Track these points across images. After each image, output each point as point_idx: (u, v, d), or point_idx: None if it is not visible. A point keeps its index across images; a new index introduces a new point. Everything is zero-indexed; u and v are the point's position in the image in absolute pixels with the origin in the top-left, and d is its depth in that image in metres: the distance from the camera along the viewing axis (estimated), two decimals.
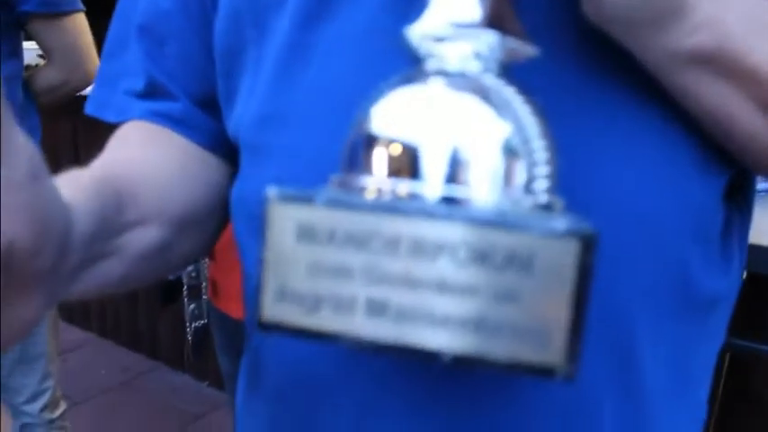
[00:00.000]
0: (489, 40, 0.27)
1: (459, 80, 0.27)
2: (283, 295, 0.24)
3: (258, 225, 0.26)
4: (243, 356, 0.59)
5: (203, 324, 1.13)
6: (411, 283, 0.23)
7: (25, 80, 1.48)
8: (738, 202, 0.46)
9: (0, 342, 0.27)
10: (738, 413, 1.42)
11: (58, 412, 1.61)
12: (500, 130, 0.26)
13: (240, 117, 0.48)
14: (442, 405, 0.41)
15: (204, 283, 1.10)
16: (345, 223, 0.23)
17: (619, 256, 0.39)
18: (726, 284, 0.46)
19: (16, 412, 1.57)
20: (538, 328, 0.21)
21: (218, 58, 0.50)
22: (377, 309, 0.23)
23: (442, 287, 0.23)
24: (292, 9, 0.44)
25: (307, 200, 0.24)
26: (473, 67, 0.27)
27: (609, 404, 0.42)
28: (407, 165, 0.26)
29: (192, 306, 1.12)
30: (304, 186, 0.28)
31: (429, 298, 0.23)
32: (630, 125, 0.38)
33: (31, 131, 1.47)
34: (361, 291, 0.23)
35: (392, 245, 0.23)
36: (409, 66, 0.29)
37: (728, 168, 0.42)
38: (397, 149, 0.26)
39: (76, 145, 2.58)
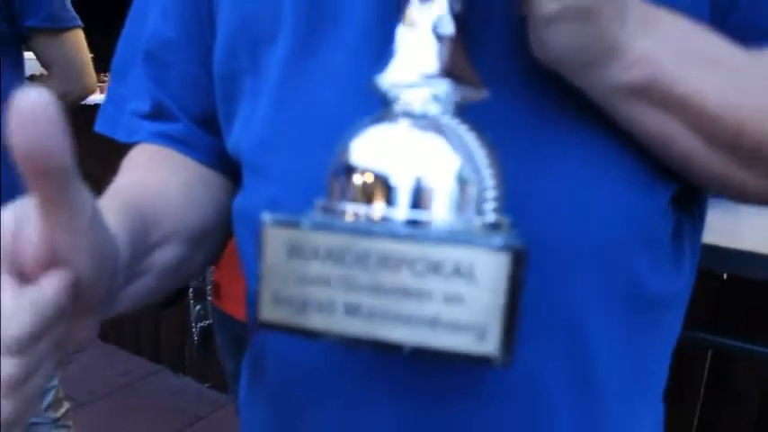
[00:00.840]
0: (445, 87, 0.32)
1: (422, 120, 0.32)
2: (277, 300, 0.30)
3: (257, 237, 0.31)
4: (244, 356, 0.64)
5: (208, 324, 1.19)
6: (379, 290, 0.28)
7: None
8: (690, 208, 0.51)
9: (61, 360, 0.32)
10: (721, 410, 1.47)
11: (61, 411, 1.66)
12: (454, 162, 0.31)
13: (240, 139, 0.53)
14: (417, 397, 0.47)
15: (209, 286, 1.16)
16: (326, 242, 0.29)
17: (572, 264, 0.44)
18: (676, 285, 0.51)
19: None
20: (479, 325, 0.27)
21: (216, 82, 0.55)
22: (352, 310, 0.29)
23: (404, 293, 0.28)
24: (283, 44, 0.49)
25: (295, 224, 0.30)
26: (432, 109, 0.33)
27: (566, 401, 0.47)
28: (379, 191, 0.31)
29: (198, 307, 1.18)
30: (296, 205, 0.34)
31: (393, 302, 0.28)
32: (581, 151, 0.44)
33: None
34: (339, 296, 0.29)
35: (363, 260, 0.28)
36: (380, 105, 0.34)
37: (673, 182, 0.47)
38: (370, 178, 0.32)
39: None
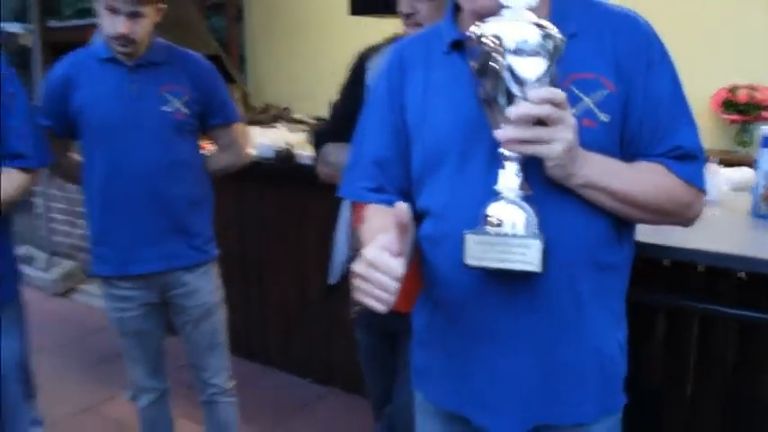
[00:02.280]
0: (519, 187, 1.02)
1: (511, 201, 1.02)
2: (478, 258, 1.00)
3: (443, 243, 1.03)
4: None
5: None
6: (503, 254, 0.98)
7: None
8: (627, 226, 1.19)
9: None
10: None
11: (231, 384, 2.35)
12: (524, 214, 1.01)
13: (428, 203, 1.20)
14: (507, 306, 1.14)
15: None
16: (481, 239, 0.98)
17: (575, 251, 1.12)
18: (622, 255, 1.19)
19: (204, 385, 2.31)
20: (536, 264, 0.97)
21: (413, 176, 1.23)
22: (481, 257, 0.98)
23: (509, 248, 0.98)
24: (449, 160, 1.18)
25: (478, 233, 0.99)
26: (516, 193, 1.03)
27: (574, 300, 1.14)
28: (496, 223, 1.00)
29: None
30: (457, 233, 1.04)
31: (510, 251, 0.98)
32: (573, 208, 1.11)
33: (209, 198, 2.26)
34: (492, 255, 0.99)
35: (493, 242, 0.98)
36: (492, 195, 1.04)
37: (617, 218, 1.15)
38: (494, 220, 1.01)
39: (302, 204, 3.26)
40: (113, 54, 2.01)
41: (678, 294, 1.85)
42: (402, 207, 1.00)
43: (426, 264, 1.23)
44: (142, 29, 1.96)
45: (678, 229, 1.32)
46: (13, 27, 8.60)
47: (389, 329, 1.85)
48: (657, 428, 1.94)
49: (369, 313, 1.83)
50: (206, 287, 2.21)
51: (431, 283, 1.25)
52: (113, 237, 2.09)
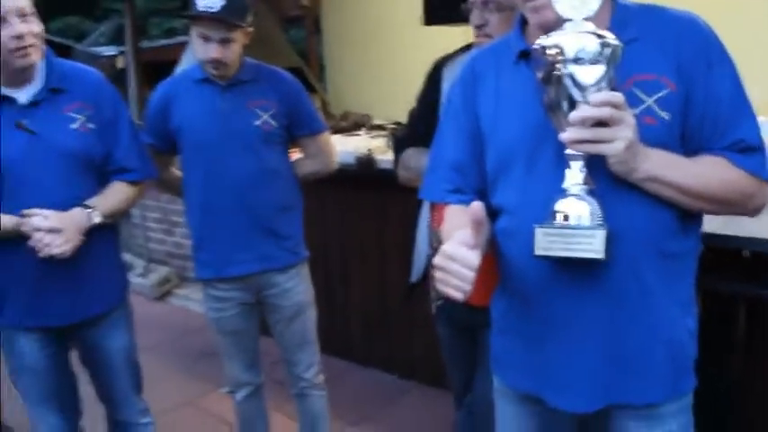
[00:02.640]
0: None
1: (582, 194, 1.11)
2: (545, 248, 1.11)
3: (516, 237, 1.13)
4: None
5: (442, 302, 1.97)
6: (568, 243, 1.07)
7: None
8: (694, 216, 1.26)
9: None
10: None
11: (321, 378, 2.49)
12: (589, 205, 1.11)
13: (502, 201, 1.31)
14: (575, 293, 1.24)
15: None
16: (549, 231, 1.08)
17: (641, 241, 1.20)
18: (687, 244, 1.26)
19: (296, 379, 2.47)
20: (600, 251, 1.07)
21: (488, 177, 1.34)
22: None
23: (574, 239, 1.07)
24: (518, 162, 1.28)
25: (546, 226, 1.09)
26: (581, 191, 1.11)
27: (640, 288, 1.22)
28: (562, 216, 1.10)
29: (434, 294, 1.96)
30: (528, 227, 1.14)
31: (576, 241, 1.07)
32: (638, 200, 1.19)
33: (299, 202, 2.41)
34: (559, 245, 1.09)
35: (563, 232, 1.09)
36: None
37: (681, 209, 1.22)
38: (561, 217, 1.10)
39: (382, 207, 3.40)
40: (207, 75, 2.19)
41: (756, 284, 1.87)
42: (477, 205, 1.11)
43: (502, 257, 1.34)
44: (232, 53, 2.13)
45: (756, 221, 1.37)
46: (108, 50, 9.16)
47: (468, 323, 1.94)
48: (737, 418, 1.96)
49: (449, 308, 1.95)
50: (297, 287, 2.36)
51: (506, 274, 1.35)
52: (212, 242, 2.27)
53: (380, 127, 5.10)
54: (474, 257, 1.10)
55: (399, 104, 5.50)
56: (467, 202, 1.30)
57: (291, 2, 6.10)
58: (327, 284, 3.56)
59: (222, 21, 2.06)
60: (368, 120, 5.61)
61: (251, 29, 2.18)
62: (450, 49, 2.06)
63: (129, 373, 2.18)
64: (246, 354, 2.41)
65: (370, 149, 3.21)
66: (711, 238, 1.70)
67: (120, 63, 6.33)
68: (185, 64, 5.90)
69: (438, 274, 1.13)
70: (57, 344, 2.06)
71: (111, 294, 2.10)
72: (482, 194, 1.36)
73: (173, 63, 7.70)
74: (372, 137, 3.51)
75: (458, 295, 1.11)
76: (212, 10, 2.04)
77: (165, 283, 5.10)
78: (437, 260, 1.13)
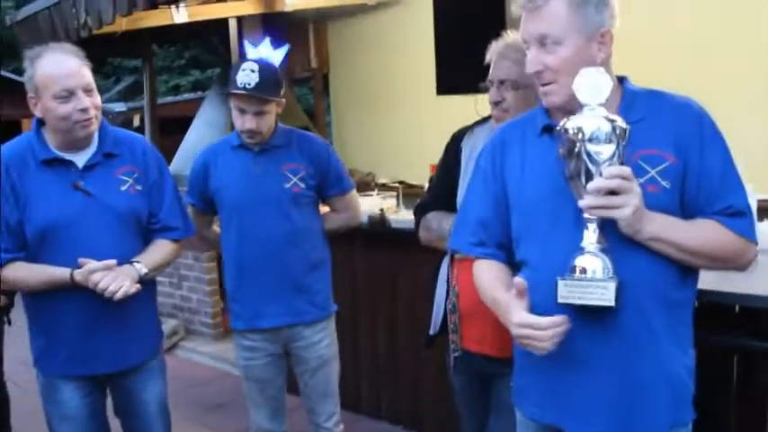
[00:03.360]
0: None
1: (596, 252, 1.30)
2: (565, 297, 1.30)
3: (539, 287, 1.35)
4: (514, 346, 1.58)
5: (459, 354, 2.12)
6: (584, 290, 1.26)
7: None
8: (692, 270, 1.46)
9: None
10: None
11: (340, 428, 2.62)
12: (603, 261, 1.30)
13: (525, 255, 1.51)
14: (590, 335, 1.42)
15: (457, 333, 2.09)
16: (568, 283, 1.27)
17: (646, 290, 1.39)
18: (686, 293, 1.46)
19: (317, 428, 2.59)
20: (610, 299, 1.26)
21: (513, 234, 1.54)
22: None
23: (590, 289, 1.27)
24: (537, 225, 1.48)
25: (566, 278, 1.28)
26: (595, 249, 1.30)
27: (647, 330, 1.41)
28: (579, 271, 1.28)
29: (453, 345, 2.12)
30: (549, 280, 1.34)
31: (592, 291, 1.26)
32: (644, 256, 1.39)
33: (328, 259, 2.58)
34: (577, 295, 1.28)
35: (581, 282, 1.29)
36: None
37: (681, 264, 1.42)
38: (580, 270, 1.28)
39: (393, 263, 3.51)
40: (242, 141, 2.40)
41: (749, 336, 2.03)
42: (520, 281, 1.35)
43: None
44: (266, 123, 2.35)
45: (746, 278, 1.55)
46: (118, 107, 9.45)
47: (485, 372, 2.09)
48: None
49: (467, 358, 2.09)
50: (324, 340, 2.52)
51: None
52: (245, 296, 2.44)
53: (384, 186, 5.31)
54: (544, 321, 1.35)
55: (402, 164, 5.82)
56: (489, 255, 1.55)
57: (301, 64, 6.40)
58: (338, 337, 3.67)
59: (257, 97, 2.28)
60: (372, 178, 5.84)
61: (284, 100, 2.40)
62: (452, 115, 2.27)
63: (162, 423, 2.29)
64: (272, 402, 2.54)
65: (382, 209, 3.39)
66: (706, 294, 1.87)
67: (136, 120, 6.57)
68: (202, 120, 6.16)
69: (522, 341, 1.39)
70: (97, 392, 2.19)
71: (149, 344, 2.24)
72: (502, 248, 1.57)
73: (181, 118, 7.97)
74: (383, 197, 3.69)
75: (544, 352, 1.36)
76: (249, 87, 2.26)
77: (173, 335, 5.20)
78: (520, 332, 1.38)
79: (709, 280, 1.72)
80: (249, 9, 5.14)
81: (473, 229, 1.60)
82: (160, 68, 12.91)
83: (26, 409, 3.38)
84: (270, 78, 2.30)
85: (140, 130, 6.05)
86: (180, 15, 4.68)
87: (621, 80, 1.51)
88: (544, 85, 1.45)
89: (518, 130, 1.58)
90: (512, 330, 1.40)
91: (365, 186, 4.70)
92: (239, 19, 5.34)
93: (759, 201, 2.42)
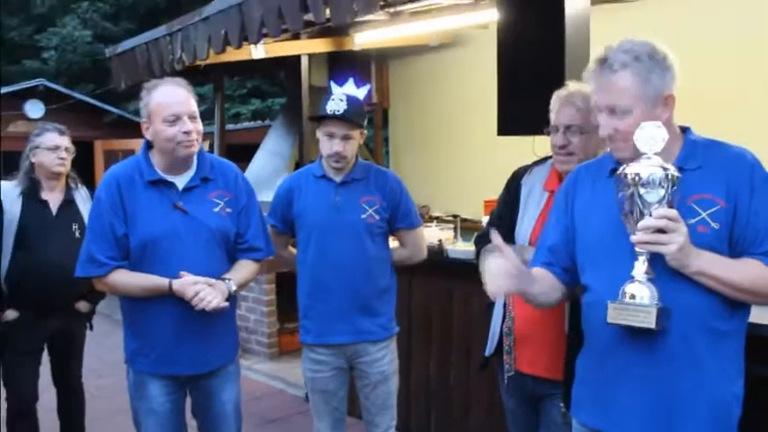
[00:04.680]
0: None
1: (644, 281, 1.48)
2: (613, 318, 1.51)
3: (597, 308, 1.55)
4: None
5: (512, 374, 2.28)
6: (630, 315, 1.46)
7: None
8: (739, 303, 1.62)
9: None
10: None
11: None
12: (649, 289, 1.49)
13: (588, 282, 1.71)
14: (638, 358, 1.60)
15: (511, 354, 2.25)
16: (617, 306, 1.49)
17: (691, 319, 1.57)
18: (733, 325, 1.62)
19: None
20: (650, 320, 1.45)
21: (579, 258, 1.75)
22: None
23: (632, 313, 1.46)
24: (589, 247, 1.71)
25: (616, 302, 1.50)
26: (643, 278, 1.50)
27: (689, 355, 1.57)
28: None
29: (507, 366, 2.28)
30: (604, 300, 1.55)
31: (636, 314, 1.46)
32: (690, 287, 1.56)
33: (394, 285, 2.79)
34: (624, 317, 1.48)
35: (626, 307, 1.49)
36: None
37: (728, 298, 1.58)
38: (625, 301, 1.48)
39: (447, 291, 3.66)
40: (325, 172, 2.65)
41: None
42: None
43: (586, 323, 1.75)
44: (351, 149, 2.61)
45: None
46: None
47: (534, 393, 2.25)
48: None
49: (519, 378, 2.25)
50: (386, 357, 2.72)
51: (588, 337, 1.74)
52: (316, 313, 2.67)
53: (439, 218, 5.51)
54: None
55: (456, 199, 6.00)
56: (553, 272, 1.82)
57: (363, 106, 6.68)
58: None
59: (345, 120, 2.54)
60: (427, 211, 6.05)
61: (365, 132, 2.65)
62: (508, 155, 2.45)
63: (235, 423, 2.50)
64: (334, 413, 2.74)
65: (440, 240, 3.59)
66: (759, 327, 2.01)
67: (205, 146, 6.92)
68: (266, 148, 6.48)
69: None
70: (180, 392, 2.42)
71: (228, 350, 2.47)
72: (566, 270, 1.79)
73: (244, 145, 8.31)
74: (441, 229, 3.89)
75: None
76: (338, 113, 2.53)
77: None
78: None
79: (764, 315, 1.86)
80: (321, 47, 5.46)
81: (544, 252, 1.83)
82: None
83: (93, 414, 3.66)
84: (356, 108, 2.58)
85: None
86: (258, 52, 5.01)
87: (685, 130, 1.69)
88: (614, 144, 1.65)
89: (589, 171, 1.80)
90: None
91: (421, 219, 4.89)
92: (309, 55, 5.66)
93: None
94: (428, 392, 3.76)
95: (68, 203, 3.21)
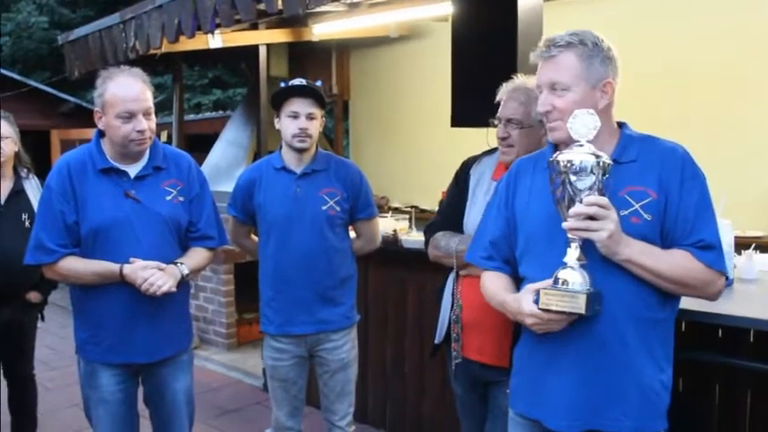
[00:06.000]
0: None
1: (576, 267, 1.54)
2: (546, 304, 1.54)
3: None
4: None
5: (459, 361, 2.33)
6: (562, 297, 1.51)
7: None
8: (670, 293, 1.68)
9: None
10: None
11: (353, 428, 2.83)
12: (583, 276, 1.53)
13: (521, 263, 1.77)
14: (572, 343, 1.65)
15: (458, 342, 2.30)
16: (548, 291, 1.54)
17: (621, 306, 1.63)
18: (664, 314, 1.68)
19: (332, 426, 2.80)
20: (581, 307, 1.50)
21: (518, 249, 1.79)
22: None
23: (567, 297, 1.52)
24: (525, 244, 1.74)
25: (548, 288, 1.55)
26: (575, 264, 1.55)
27: (618, 341, 1.63)
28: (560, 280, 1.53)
29: (455, 353, 2.33)
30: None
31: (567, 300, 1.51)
32: (620, 275, 1.62)
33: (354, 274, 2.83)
34: (555, 302, 1.53)
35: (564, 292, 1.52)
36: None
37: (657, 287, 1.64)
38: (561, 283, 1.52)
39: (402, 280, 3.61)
40: (284, 164, 2.67)
41: (730, 355, 2.22)
42: (531, 286, 1.67)
43: None
44: (315, 128, 2.63)
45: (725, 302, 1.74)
46: None
47: (482, 380, 2.30)
48: None
49: (466, 365, 2.31)
50: (346, 345, 2.76)
51: (524, 326, 1.75)
52: (278, 303, 2.69)
53: (397, 209, 5.55)
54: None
55: (415, 190, 6.07)
56: (496, 268, 1.81)
57: (323, 90, 6.71)
58: None
59: (309, 95, 2.58)
60: (386, 202, 6.10)
61: (324, 119, 2.69)
62: (465, 146, 2.51)
63: (188, 412, 2.52)
64: (293, 402, 2.77)
65: (395, 230, 3.63)
66: (691, 314, 2.09)
67: (163, 136, 6.87)
68: (226, 139, 6.45)
69: (533, 327, 1.65)
70: (131, 381, 2.42)
71: (181, 339, 2.47)
72: (508, 263, 1.82)
73: (204, 135, 8.25)
74: (397, 219, 3.93)
75: (558, 327, 1.63)
76: (303, 84, 2.58)
77: None
78: (531, 320, 1.64)
79: (695, 303, 1.92)
80: (279, 38, 5.45)
81: (485, 247, 1.86)
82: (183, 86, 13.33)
83: (45, 407, 3.62)
84: (317, 87, 2.62)
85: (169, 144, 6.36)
86: (215, 41, 4.97)
87: (621, 125, 1.75)
88: (551, 122, 1.70)
89: (531, 162, 1.83)
90: (525, 321, 1.64)
91: (378, 209, 4.93)
92: (268, 46, 5.64)
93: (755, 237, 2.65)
94: (384, 380, 3.81)
95: (17, 193, 3.16)
